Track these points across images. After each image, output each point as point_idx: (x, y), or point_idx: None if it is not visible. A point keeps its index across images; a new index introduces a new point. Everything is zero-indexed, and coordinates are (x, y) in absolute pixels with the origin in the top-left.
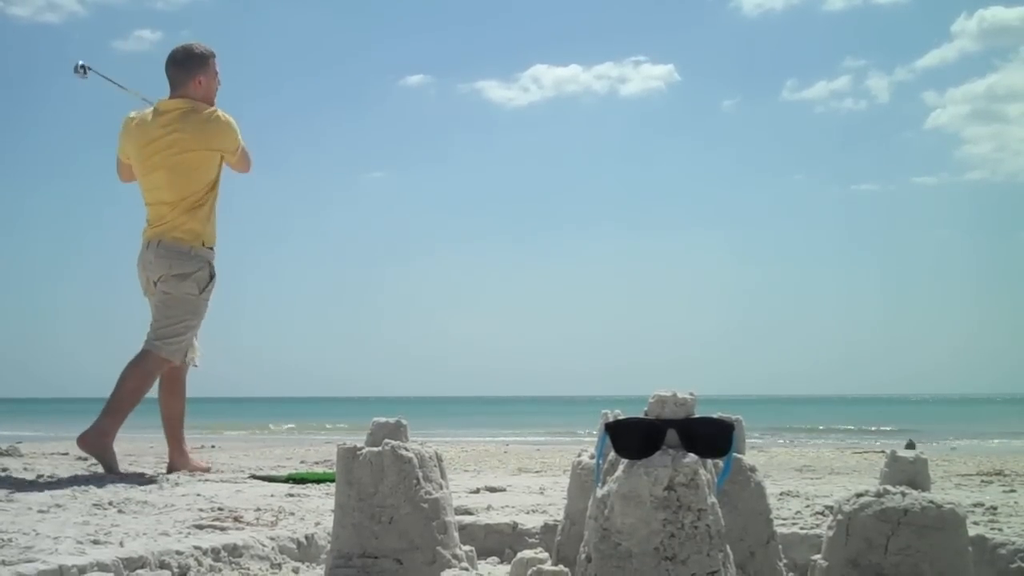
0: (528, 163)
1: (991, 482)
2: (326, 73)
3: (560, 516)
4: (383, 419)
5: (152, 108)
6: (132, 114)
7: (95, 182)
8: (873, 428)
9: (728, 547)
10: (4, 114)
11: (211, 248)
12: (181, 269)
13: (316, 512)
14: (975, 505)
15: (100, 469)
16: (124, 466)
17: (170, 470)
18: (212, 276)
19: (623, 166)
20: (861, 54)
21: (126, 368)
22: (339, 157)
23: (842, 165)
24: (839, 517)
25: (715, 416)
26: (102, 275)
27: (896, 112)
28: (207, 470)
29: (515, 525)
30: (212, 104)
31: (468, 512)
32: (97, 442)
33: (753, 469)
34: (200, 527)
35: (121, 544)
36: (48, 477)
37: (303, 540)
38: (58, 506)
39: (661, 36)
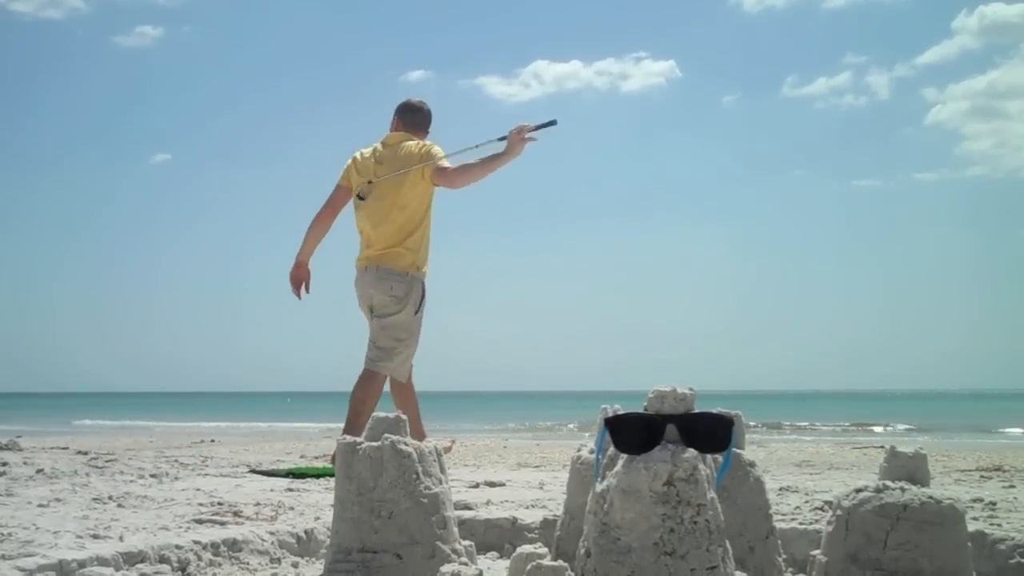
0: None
1: (990, 478)
2: (327, 69)
3: (560, 511)
4: (383, 414)
5: (379, 142)
6: (364, 150)
7: (95, 179)
8: (872, 424)
9: (727, 542)
10: (5, 110)
11: (423, 271)
12: (398, 292)
13: (316, 507)
14: (974, 500)
15: (99, 463)
16: (124, 460)
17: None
18: (424, 297)
19: (624, 162)
20: (862, 50)
21: (356, 388)
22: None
23: (843, 161)
24: (838, 512)
25: (715, 411)
26: (101, 272)
27: (897, 108)
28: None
29: (514, 520)
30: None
31: (468, 507)
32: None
33: (752, 464)
34: (200, 522)
35: (121, 539)
36: (48, 471)
37: (303, 535)
38: (58, 500)
39: (662, 32)
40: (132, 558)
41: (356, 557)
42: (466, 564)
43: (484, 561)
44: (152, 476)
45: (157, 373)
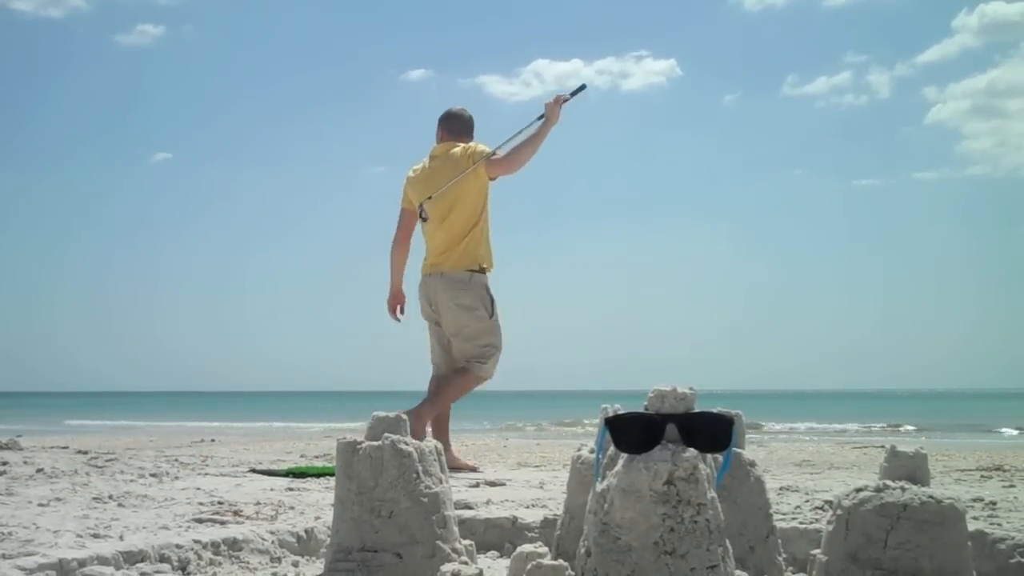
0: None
1: (991, 477)
2: (327, 68)
3: (560, 510)
4: (383, 413)
5: (428, 155)
6: (415, 166)
7: (95, 177)
8: (873, 423)
9: (727, 541)
10: (5, 109)
11: (486, 270)
12: (465, 300)
13: (316, 506)
14: (975, 500)
15: (99, 463)
16: (124, 460)
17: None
18: (492, 297)
19: (624, 161)
20: (862, 49)
21: (451, 374)
22: (340, 151)
23: (843, 160)
24: (839, 512)
25: (715, 411)
26: (101, 271)
27: (897, 107)
28: (474, 469)
29: (515, 519)
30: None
31: (468, 506)
32: (415, 423)
33: (753, 464)
34: (200, 521)
35: (121, 538)
36: (48, 471)
37: (303, 534)
38: (58, 500)
39: (663, 31)
40: (132, 557)
41: (356, 556)
42: (466, 563)
43: (484, 560)
44: (152, 475)
45: (157, 372)
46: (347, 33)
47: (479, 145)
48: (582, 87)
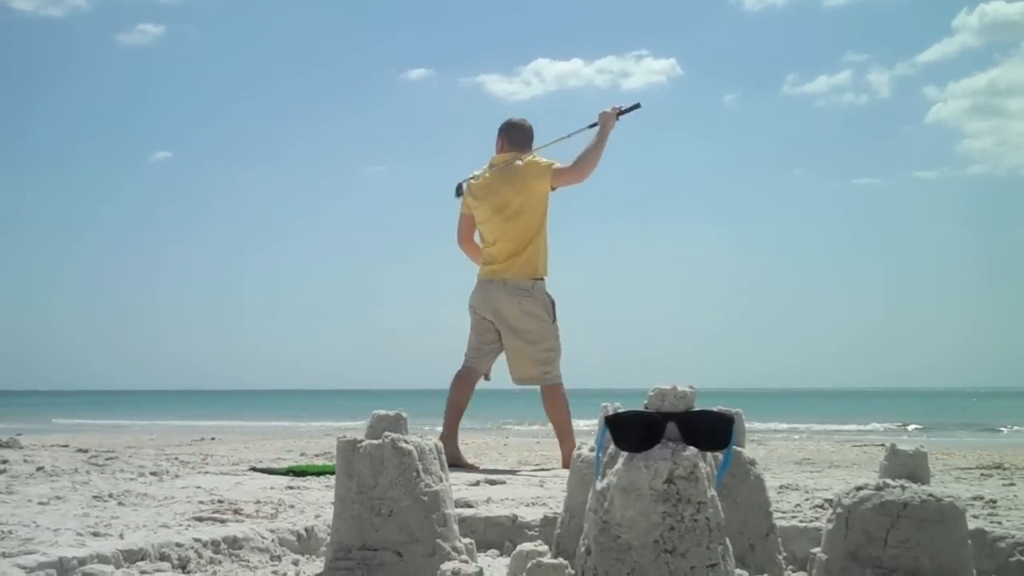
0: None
1: (991, 475)
2: (328, 67)
3: (560, 509)
4: (383, 411)
5: (488, 164)
6: (475, 172)
7: (95, 176)
8: (873, 422)
9: (727, 540)
10: (6, 108)
11: (544, 278)
12: (529, 306)
13: (316, 505)
14: (975, 498)
15: (99, 461)
16: (124, 458)
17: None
18: (553, 302)
19: (624, 160)
20: (862, 49)
21: (547, 408)
22: (340, 150)
23: (843, 159)
24: (839, 510)
25: (715, 409)
26: (101, 270)
27: (897, 106)
28: (475, 469)
29: (515, 518)
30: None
31: (468, 505)
32: (567, 453)
33: (753, 462)
34: (200, 519)
35: (121, 536)
36: (48, 469)
37: (303, 532)
38: (58, 498)
39: (663, 30)
40: (132, 556)
41: (356, 555)
42: (466, 562)
43: (484, 559)
44: (152, 474)
45: (158, 371)
46: (347, 32)
47: (538, 157)
48: (637, 105)
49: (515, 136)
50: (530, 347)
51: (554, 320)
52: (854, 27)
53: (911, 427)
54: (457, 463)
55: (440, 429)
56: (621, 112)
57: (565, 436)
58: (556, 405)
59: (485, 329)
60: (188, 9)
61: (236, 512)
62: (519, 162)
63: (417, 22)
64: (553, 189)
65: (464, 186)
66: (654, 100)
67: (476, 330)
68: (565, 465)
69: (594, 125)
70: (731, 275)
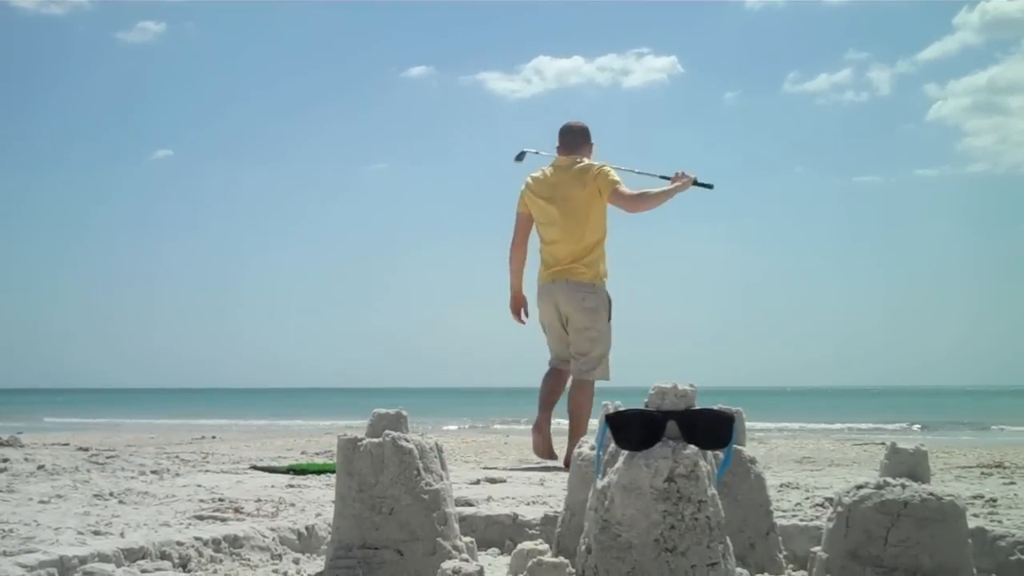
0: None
1: (991, 474)
2: (328, 65)
3: (560, 507)
4: (384, 410)
5: (550, 165)
6: (535, 174)
7: (96, 175)
8: (873, 420)
9: (728, 539)
10: (6, 106)
11: (605, 281)
12: (590, 304)
13: (317, 503)
14: (975, 497)
15: (100, 460)
16: (125, 456)
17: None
18: (611, 304)
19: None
20: (863, 46)
21: (574, 397)
22: (341, 149)
23: (844, 157)
24: (839, 509)
25: (715, 408)
26: (101, 269)
27: (898, 104)
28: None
29: (515, 516)
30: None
31: (468, 503)
32: (571, 450)
33: (753, 461)
34: (201, 518)
35: (122, 535)
36: (49, 468)
37: (304, 531)
38: (59, 497)
39: (664, 28)
40: (133, 554)
41: (357, 553)
42: (467, 560)
43: (485, 557)
44: (153, 472)
45: (158, 369)
46: (348, 30)
47: (607, 168)
48: (711, 186)
49: (567, 140)
50: (588, 344)
51: (609, 319)
52: (855, 25)
53: (916, 426)
54: (549, 456)
55: (442, 429)
56: (696, 182)
57: (576, 435)
58: (578, 401)
59: (557, 330)
60: (189, 7)
61: (237, 511)
62: (582, 165)
63: (417, 20)
64: (615, 205)
65: (526, 154)
66: (655, 98)
67: (549, 333)
68: (567, 464)
69: (666, 178)
70: (731, 273)
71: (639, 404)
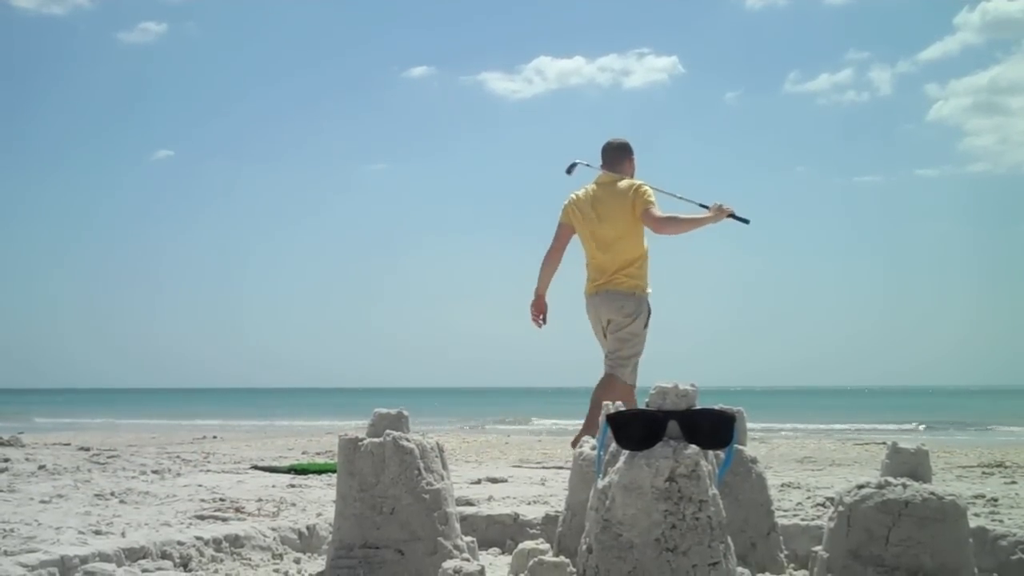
0: (531, 155)
1: (992, 474)
2: (329, 65)
3: (561, 507)
4: (384, 410)
5: (594, 182)
6: (579, 190)
7: (97, 175)
8: (874, 420)
9: (729, 538)
10: (8, 106)
11: (647, 292)
12: (629, 310)
13: (318, 503)
14: (976, 497)
15: (101, 460)
16: (126, 456)
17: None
18: (650, 312)
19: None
20: (864, 46)
21: (598, 390)
22: (341, 148)
23: (844, 157)
24: (840, 508)
25: (716, 407)
26: (102, 269)
27: (898, 104)
28: None
29: (516, 516)
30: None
31: (469, 503)
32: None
33: (754, 460)
34: (202, 517)
35: (123, 534)
36: (50, 468)
37: (304, 531)
38: (60, 496)
39: (665, 28)
40: (134, 554)
41: (358, 553)
42: (468, 560)
43: (486, 557)
44: (154, 472)
45: (159, 369)
46: (349, 30)
47: (645, 187)
48: (747, 221)
49: (609, 157)
50: (620, 344)
51: (646, 326)
52: (855, 25)
53: (921, 426)
54: None
55: (439, 428)
56: (732, 215)
57: (590, 424)
58: (599, 394)
59: (601, 340)
60: (190, 7)
61: (238, 510)
62: (624, 184)
63: (418, 20)
64: (645, 225)
65: (577, 165)
66: (656, 98)
67: (601, 341)
68: (573, 444)
69: (704, 207)
70: (732, 273)
71: (640, 404)
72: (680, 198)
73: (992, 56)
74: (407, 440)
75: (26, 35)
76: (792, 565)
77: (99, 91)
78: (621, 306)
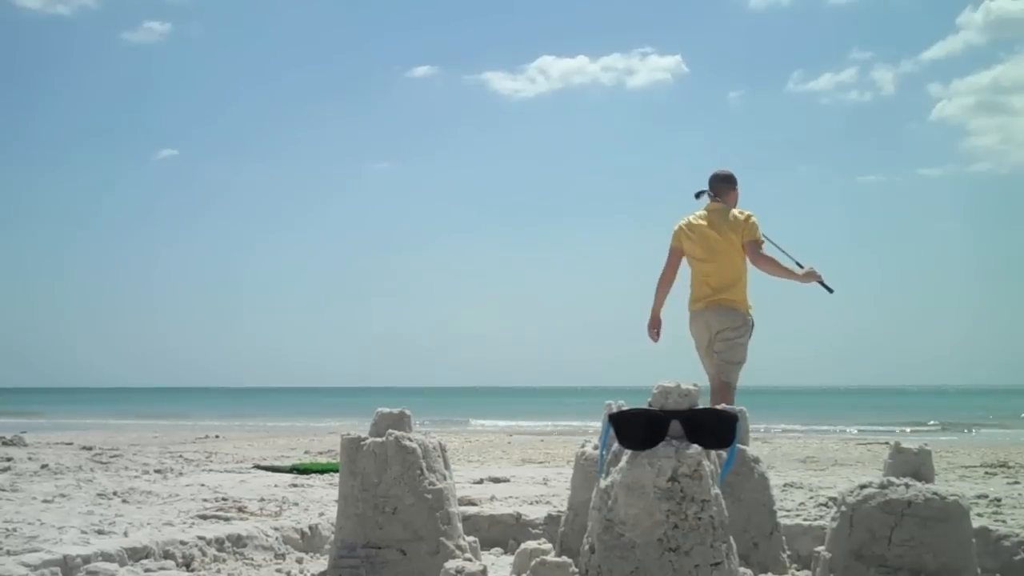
0: (534, 155)
1: (995, 474)
2: (332, 64)
3: (564, 507)
4: (387, 409)
5: (704, 209)
6: (690, 216)
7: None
8: (877, 419)
9: (731, 538)
10: (12, 105)
11: (749, 308)
12: (738, 324)
13: (320, 502)
14: (979, 497)
15: (104, 459)
16: (129, 456)
17: None
18: (753, 327)
19: (629, 157)
20: (867, 46)
21: (715, 394)
22: (344, 148)
23: (847, 157)
24: (843, 508)
25: (719, 407)
26: (105, 268)
27: (902, 104)
28: None
29: (519, 516)
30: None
31: (472, 503)
32: None
33: (757, 460)
34: (204, 517)
35: (125, 534)
36: (53, 467)
37: (307, 530)
38: (63, 496)
39: (668, 28)
40: (136, 554)
41: (360, 553)
42: (470, 560)
43: (488, 557)
44: (156, 472)
45: (162, 369)
46: (352, 30)
47: (756, 221)
48: (831, 291)
49: (716, 187)
50: (728, 353)
51: (749, 338)
52: (859, 25)
53: (912, 424)
54: None
55: (446, 428)
56: (820, 280)
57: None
58: (716, 400)
59: (705, 348)
60: (194, 7)
61: (240, 510)
62: (736, 213)
63: (422, 19)
64: (745, 253)
65: (704, 193)
66: (659, 98)
67: (706, 350)
68: None
69: (799, 265)
70: None
71: (642, 403)
72: (782, 250)
73: (995, 55)
74: (409, 440)
75: (31, 35)
76: (795, 565)
77: (103, 90)
78: (732, 320)
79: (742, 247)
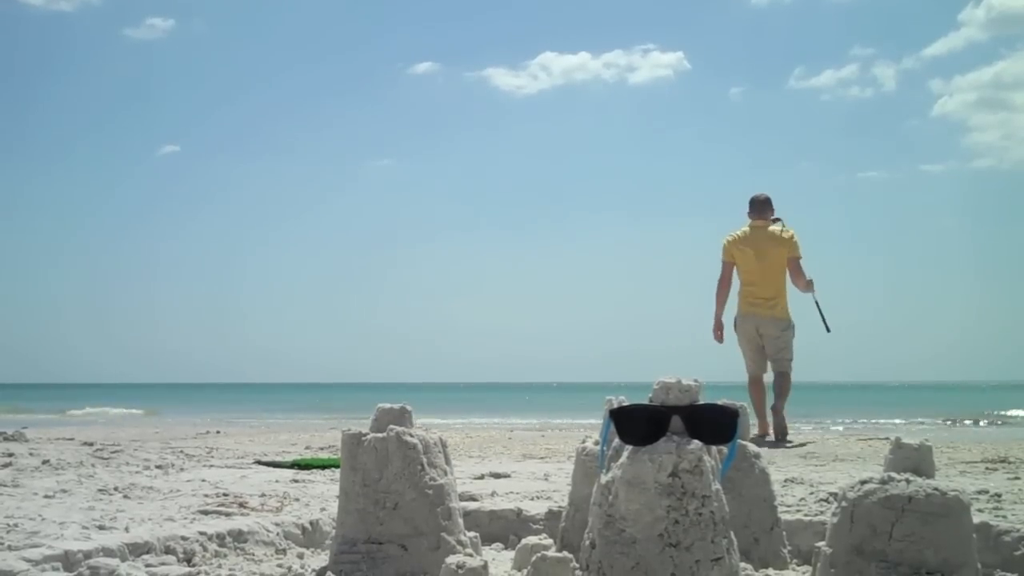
0: (536, 151)
1: (996, 469)
2: (334, 60)
3: (564, 502)
4: (388, 405)
5: (747, 226)
6: (736, 232)
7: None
8: (878, 415)
9: (732, 534)
10: (15, 101)
11: (789, 313)
12: (784, 328)
13: (321, 498)
14: (980, 492)
15: (105, 455)
16: (130, 451)
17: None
18: (794, 328)
19: (631, 154)
20: (868, 42)
21: (779, 380)
22: (346, 144)
23: (849, 153)
24: (843, 504)
25: (720, 403)
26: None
27: (903, 100)
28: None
29: (519, 511)
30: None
31: (473, 498)
32: (778, 417)
33: (757, 456)
34: (205, 513)
35: (126, 529)
36: (54, 462)
37: (308, 526)
38: (64, 491)
39: (670, 24)
40: (138, 549)
41: (361, 548)
42: (471, 555)
43: (489, 552)
44: (158, 467)
45: (163, 364)
46: (354, 26)
47: (796, 238)
48: (828, 329)
49: (756, 209)
50: (781, 354)
51: (793, 338)
52: (860, 21)
53: (911, 419)
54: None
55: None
56: (820, 310)
57: (778, 409)
58: (781, 383)
59: (756, 346)
60: (196, 4)
61: (241, 505)
62: (778, 229)
63: (423, 16)
64: (787, 268)
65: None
66: (661, 94)
67: (750, 347)
68: (762, 432)
69: (820, 308)
70: None
71: (643, 399)
72: (810, 280)
73: (997, 52)
74: (410, 435)
75: (34, 31)
76: (795, 561)
77: (106, 87)
78: (779, 326)
79: (786, 261)
